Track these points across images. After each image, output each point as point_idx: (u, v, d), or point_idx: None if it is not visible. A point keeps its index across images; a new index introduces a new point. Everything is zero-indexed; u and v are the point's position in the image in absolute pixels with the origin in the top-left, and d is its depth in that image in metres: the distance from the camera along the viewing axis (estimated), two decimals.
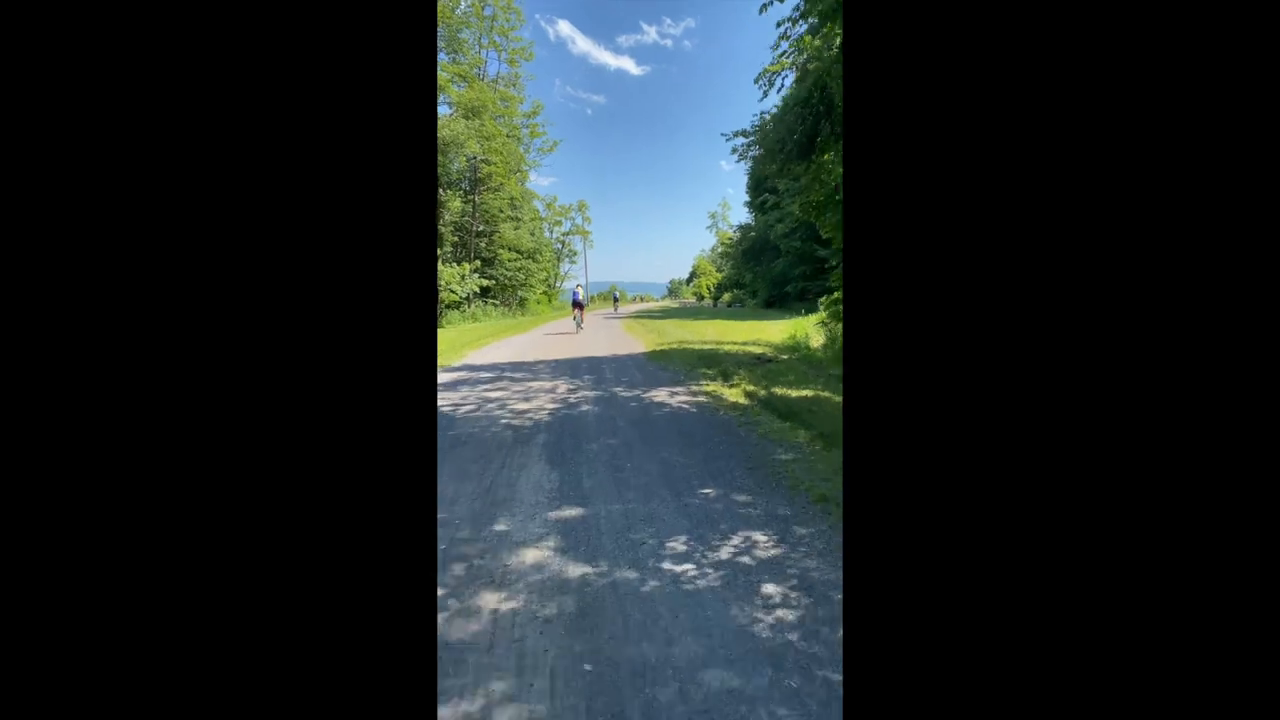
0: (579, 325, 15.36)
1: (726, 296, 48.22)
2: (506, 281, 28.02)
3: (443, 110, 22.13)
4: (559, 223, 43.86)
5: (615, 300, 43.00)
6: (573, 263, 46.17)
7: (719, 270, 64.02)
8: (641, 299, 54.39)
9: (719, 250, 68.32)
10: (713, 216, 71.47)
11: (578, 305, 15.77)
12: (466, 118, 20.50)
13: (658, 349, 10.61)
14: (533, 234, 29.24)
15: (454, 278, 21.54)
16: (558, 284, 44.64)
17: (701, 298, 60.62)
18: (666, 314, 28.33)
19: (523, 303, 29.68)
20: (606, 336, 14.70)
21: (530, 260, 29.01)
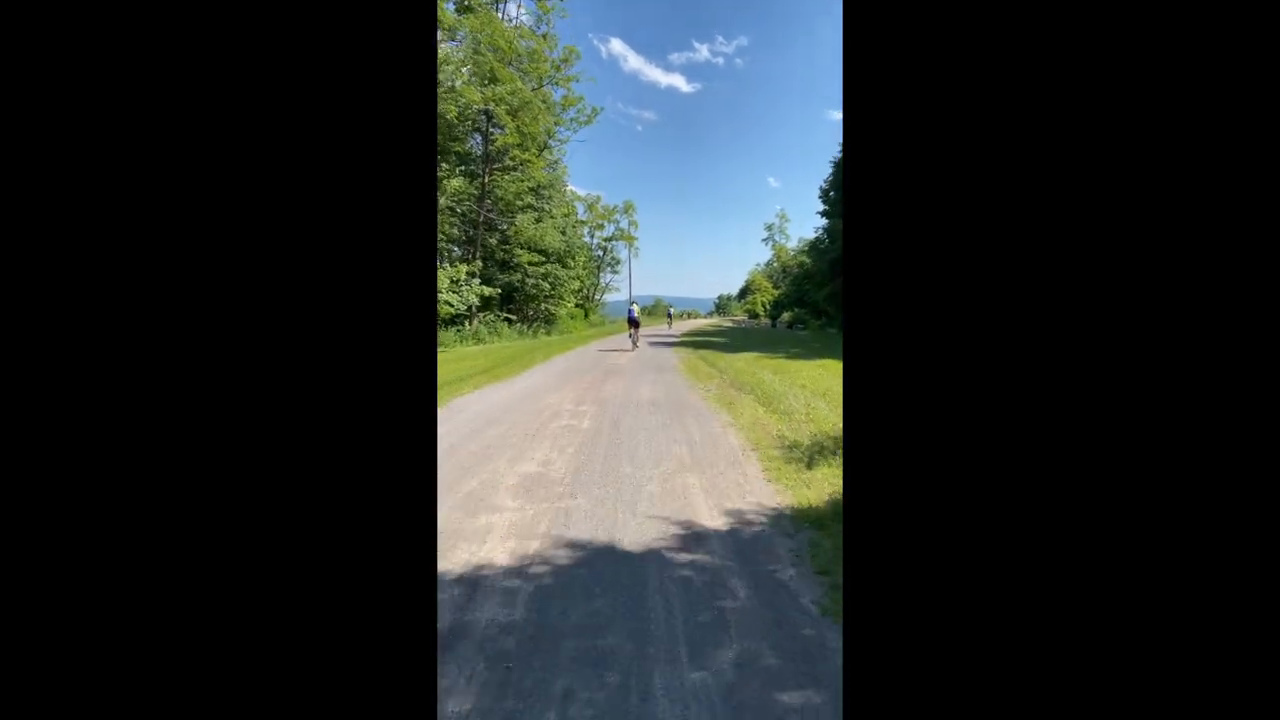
0: (634, 344, 15.10)
1: (786, 316, 41.55)
2: (531, 290, 21.31)
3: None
4: (601, 226, 37.26)
5: (669, 317, 37.62)
6: (615, 272, 39.43)
7: (776, 286, 56.58)
8: (689, 315, 47.40)
9: (775, 265, 60.93)
10: (769, 229, 64.24)
11: (633, 323, 15.57)
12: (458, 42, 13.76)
13: (819, 501, 3.37)
14: (563, 233, 22.58)
15: (444, 282, 14.83)
16: (597, 296, 37.96)
17: (755, 316, 53.20)
18: (730, 339, 21.09)
19: (549, 319, 22.89)
20: (655, 394, 7.57)
21: (559, 265, 22.26)
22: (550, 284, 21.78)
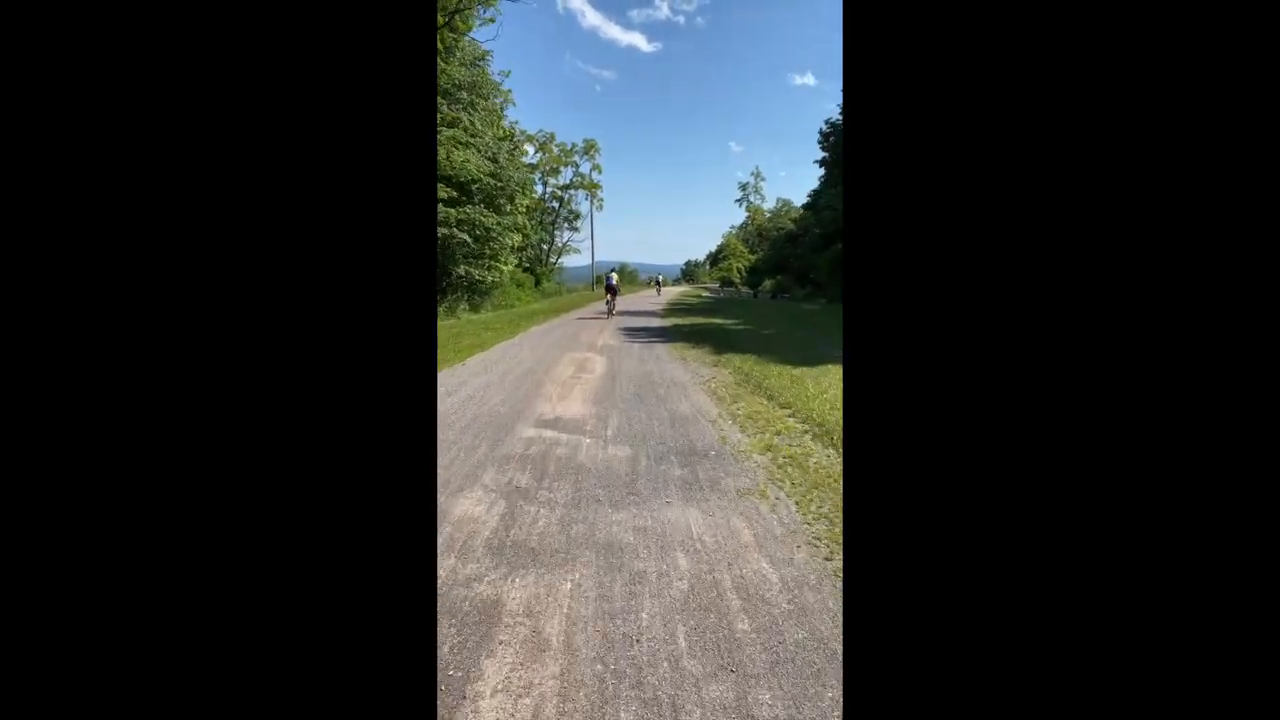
0: (610, 311, 14.23)
1: (768, 284, 35.43)
2: (444, 245, 13.57)
3: None
4: (556, 171, 29.15)
5: (658, 284, 33.06)
6: (574, 229, 31.47)
7: (752, 251, 49.76)
8: (658, 282, 40.42)
9: (750, 228, 53.95)
10: (743, 189, 56.93)
11: (611, 290, 14.67)
12: None
13: None
14: (494, 160, 14.72)
15: None
16: (553, 259, 30.13)
17: (730, 284, 46.27)
18: (737, 318, 14.11)
19: (475, 288, 15.22)
20: None
21: (486, 209, 14.46)
22: (474, 237, 14.07)
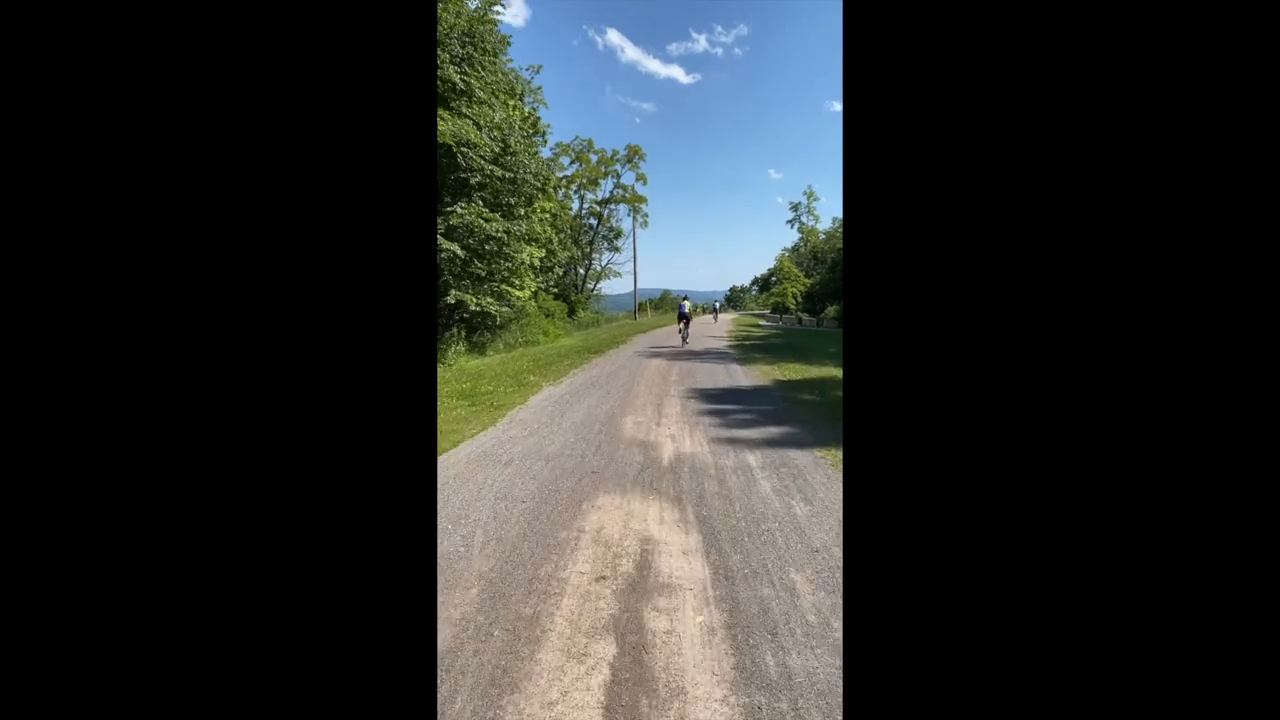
0: (685, 339, 14.21)
1: (832, 311, 29.90)
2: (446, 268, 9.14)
3: None
4: (595, 184, 24.87)
5: (715, 310, 33.35)
6: (615, 249, 27.00)
7: (806, 275, 44.44)
8: (715, 309, 36.01)
9: (804, 250, 48.73)
10: (795, 209, 51.75)
11: (684, 318, 14.72)
12: None
13: None
14: (504, 145, 10.37)
15: None
16: (590, 284, 25.70)
17: (785, 310, 40.88)
18: (828, 355, 9.00)
19: (478, 324, 10.69)
20: None
21: (491, 211, 9.98)
22: (477, 252, 9.61)
